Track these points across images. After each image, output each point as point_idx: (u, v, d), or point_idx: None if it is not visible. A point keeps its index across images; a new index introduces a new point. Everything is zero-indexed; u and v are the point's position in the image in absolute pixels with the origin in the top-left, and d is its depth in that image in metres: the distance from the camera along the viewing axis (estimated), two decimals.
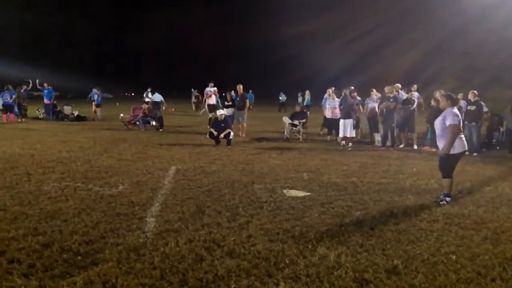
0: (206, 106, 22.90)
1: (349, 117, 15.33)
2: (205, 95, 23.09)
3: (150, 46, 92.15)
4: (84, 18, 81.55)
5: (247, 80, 28.03)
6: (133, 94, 63.11)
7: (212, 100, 22.54)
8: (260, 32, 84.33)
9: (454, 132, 7.56)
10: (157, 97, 28.25)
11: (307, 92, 33.92)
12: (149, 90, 36.32)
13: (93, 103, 26.25)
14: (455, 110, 7.77)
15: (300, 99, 35.11)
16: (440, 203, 7.69)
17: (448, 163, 7.81)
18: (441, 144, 7.83)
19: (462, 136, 7.85)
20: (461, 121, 7.81)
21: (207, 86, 23.17)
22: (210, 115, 21.35)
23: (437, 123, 7.98)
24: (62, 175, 9.50)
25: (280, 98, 42.73)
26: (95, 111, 25.99)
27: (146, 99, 37.03)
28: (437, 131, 8.03)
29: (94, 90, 26.48)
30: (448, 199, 7.77)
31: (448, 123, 7.63)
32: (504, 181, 9.88)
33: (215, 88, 22.77)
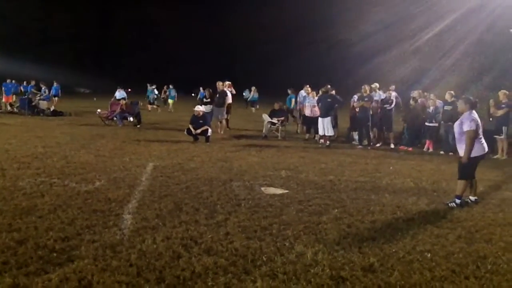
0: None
1: (327, 116, 15.40)
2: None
3: (130, 42, 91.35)
4: (64, 14, 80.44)
5: (228, 76, 27.99)
6: (129, 90, 62.10)
7: (229, 99, 19.81)
8: (241, 30, 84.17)
9: (471, 137, 7.57)
10: (121, 94, 28.18)
11: (253, 89, 34.50)
12: (153, 86, 36.19)
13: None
14: (473, 114, 7.75)
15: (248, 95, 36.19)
16: (449, 204, 7.64)
17: (465, 166, 7.77)
18: (460, 148, 7.86)
19: (482, 139, 7.85)
20: (480, 125, 7.79)
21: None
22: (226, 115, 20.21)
23: (456, 127, 8.00)
24: (37, 171, 9.37)
25: (244, 94, 43.22)
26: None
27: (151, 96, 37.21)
28: (456, 135, 8.03)
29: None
30: (458, 201, 7.68)
31: (465, 128, 7.63)
32: (480, 180, 10.01)
33: (229, 82, 20.44)
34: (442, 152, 14.30)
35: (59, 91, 30.37)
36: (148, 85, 34.16)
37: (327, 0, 64.87)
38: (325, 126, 15.39)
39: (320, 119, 15.61)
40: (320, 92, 16.84)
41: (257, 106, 36.48)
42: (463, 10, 34.12)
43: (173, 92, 34.67)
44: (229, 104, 19.40)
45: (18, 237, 5.45)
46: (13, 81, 28.36)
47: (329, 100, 15.63)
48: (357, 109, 16.14)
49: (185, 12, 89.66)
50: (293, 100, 20.29)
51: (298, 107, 19.40)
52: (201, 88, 34.57)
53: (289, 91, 20.99)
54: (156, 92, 36.31)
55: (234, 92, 20.39)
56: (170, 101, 34.59)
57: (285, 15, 77.58)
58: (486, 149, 7.95)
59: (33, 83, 29.94)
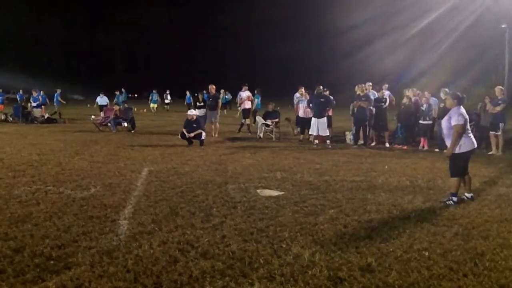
0: (241, 111, 21.37)
1: (322, 116, 15.39)
2: (238, 99, 21.17)
3: (120, 46, 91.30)
4: (53, 19, 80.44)
5: (220, 79, 28.09)
6: (136, 95, 60.82)
7: (248, 104, 20.84)
8: (231, 30, 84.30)
9: (459, 131, 7.59)
10: (103, 100, 28.19)
11: (222, 91, 35.14)
12: (162, 91, 36.65)
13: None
14: (461, 109, 7.77)
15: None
16: (447, 202, 7.65)
17: (455, 163, 7.82)
18: (448, 143, 7.87)
19: (470, 134, 7.88)
20: (467, 120, 7.82)
21: (241, 89, 21.38)
22: (243, 121, 20.63)
23: (444, 122, 8.03)
24: (32, 179, 9.33)
25: (226, 97, 43.65)
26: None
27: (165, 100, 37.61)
28: (444, 130, 8.09)
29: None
30: (454, 198, 7.68)
31: (453, 123, 7.66)
32: (475, 176, 10.02)
33: (250, 94, 21.13)
34: (437, 150, 14.28)
35: (46, 99, 30.27)
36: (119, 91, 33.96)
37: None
38: (320, 127, 15.39)
39: (314, 120, 15.60)
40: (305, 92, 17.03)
41: (228, 108, 37.06)
42: (449, 4, 34.11)
43: (156, 97, 36.29)
44: (249, 109, 20.77)
45: (15, 246, 5.42)
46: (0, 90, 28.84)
47: (322, 100, 15.68)
48: (355, 109, 16.18)
49: (178, 14, 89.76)
50: (259, 100, 21.09)
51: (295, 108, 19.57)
52: (187, 92, 34.96)
53: (255, 92, 21.14)
54: (170, 97, 37.00)
55: (252, 98, 20.91)
56: (152, 105, 35.89)
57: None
58: (475, 145, 7.97)
59: (21, 91, 30.26)
